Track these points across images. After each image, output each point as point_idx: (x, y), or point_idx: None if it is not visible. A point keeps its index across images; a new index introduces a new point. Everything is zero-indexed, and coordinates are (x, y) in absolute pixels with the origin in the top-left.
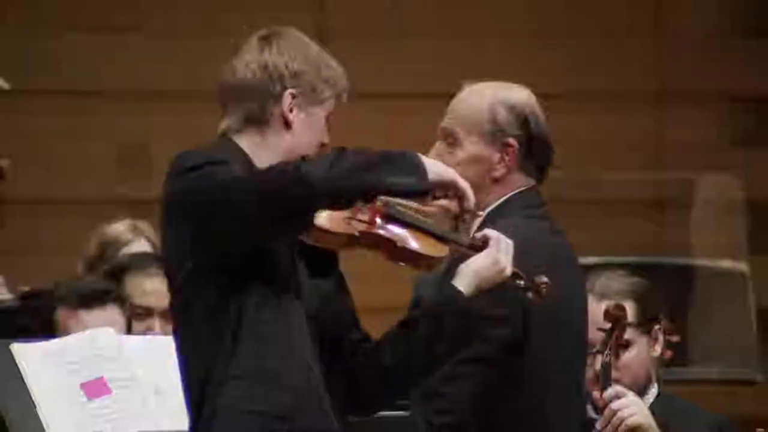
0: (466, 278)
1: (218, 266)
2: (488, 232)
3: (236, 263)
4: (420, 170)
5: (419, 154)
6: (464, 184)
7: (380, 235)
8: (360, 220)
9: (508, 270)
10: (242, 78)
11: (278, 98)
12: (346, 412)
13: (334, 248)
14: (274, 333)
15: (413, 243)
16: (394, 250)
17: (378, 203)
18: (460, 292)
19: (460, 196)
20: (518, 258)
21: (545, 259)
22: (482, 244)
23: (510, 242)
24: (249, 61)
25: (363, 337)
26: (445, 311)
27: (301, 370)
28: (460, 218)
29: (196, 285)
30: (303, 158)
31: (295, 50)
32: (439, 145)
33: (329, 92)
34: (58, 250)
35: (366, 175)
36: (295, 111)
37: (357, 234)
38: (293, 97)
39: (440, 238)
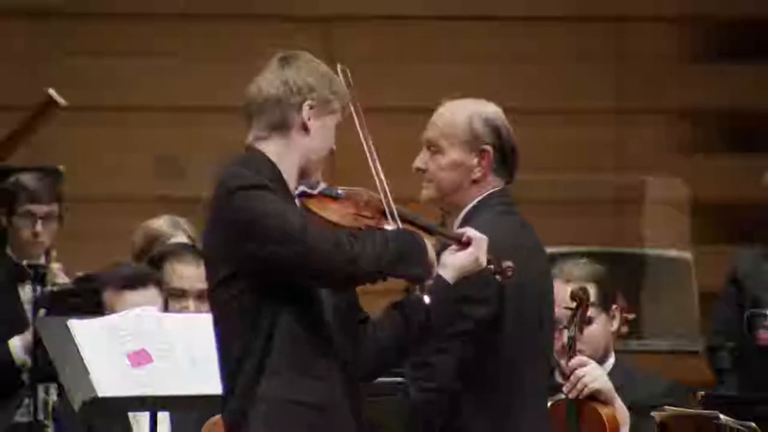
0: (451, 270)
1: (257, 273)
2: (471, 233)
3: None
4: (427, 265)
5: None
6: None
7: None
8: (365, 216)
9: (484, 263)
10: (267, 92)
11: (298, 108)
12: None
13: None
14: (308, 334)
15: None
16: None
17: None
18: (446, 281)
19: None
20: (489, 247)
21: (511, 249)
22: (467, 241)
23: (486, 238)
24: (272, 78)
25: (364, 317)
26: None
27: (335, 366)
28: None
29: (236, 286)
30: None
31: (309, 68)
32: (423, 153)
33: (337, 104)
34: (107, 241)
35: (396, 266)
36: (312, 119)
37: (363, 227)
38: (311, 107)
39: (431, 231)
